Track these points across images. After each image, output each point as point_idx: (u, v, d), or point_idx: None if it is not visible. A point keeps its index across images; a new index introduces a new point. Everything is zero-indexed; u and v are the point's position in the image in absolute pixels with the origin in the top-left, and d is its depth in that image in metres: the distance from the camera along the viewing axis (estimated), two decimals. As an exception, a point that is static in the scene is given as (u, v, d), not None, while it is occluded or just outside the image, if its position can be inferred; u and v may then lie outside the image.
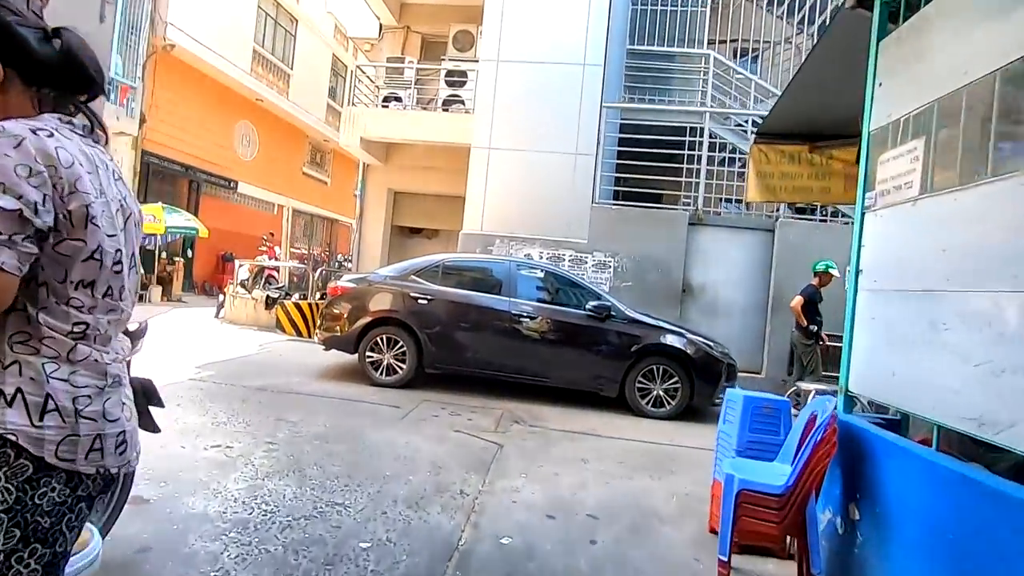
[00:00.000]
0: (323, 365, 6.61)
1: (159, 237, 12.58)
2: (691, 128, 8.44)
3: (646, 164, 8.10)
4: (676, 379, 5.69)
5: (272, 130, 18.37)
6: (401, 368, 5.86)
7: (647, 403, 5.73)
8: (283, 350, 7.55)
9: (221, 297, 10.20)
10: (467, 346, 5.87)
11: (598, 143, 8.09)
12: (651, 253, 7.80)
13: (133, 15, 12.06)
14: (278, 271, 10.76)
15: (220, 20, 14.68)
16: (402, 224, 12.51)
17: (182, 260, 14.01)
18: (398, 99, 11.22)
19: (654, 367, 5.73)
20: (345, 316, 5.98)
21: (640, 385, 5.74)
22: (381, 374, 5.87)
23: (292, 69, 18.70)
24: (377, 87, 11.85)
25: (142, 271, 12.70)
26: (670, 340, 5.76)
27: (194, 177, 15.29)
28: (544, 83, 8.38)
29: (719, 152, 8.36)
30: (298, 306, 8.96)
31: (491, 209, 8.32)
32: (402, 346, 5.84)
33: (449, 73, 10.94)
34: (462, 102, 10.91)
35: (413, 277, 6.00)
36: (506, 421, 5.03)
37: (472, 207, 8.39)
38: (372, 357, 5.89)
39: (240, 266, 10.40)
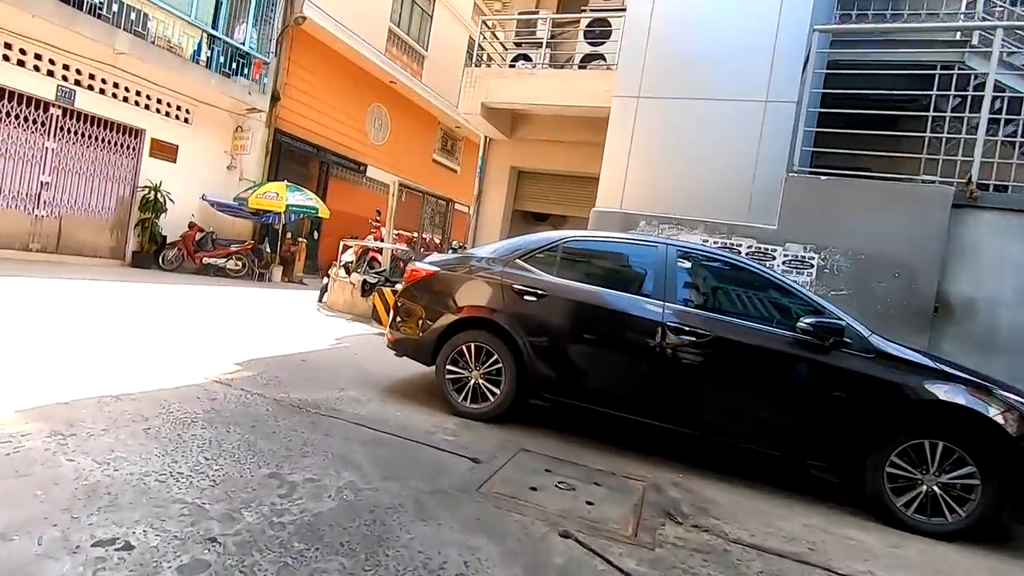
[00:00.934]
0: (398, 375, 4.96)
1: (281, 215, 12.15)
2: (945, 65, 5.51)
3: (865, 117, 5.35)
4: (971, 469, 3.10)
5: (403, 114, 17.75)
6: (493, 393, 3.96)
7: (907, 505, 3.21)
8: (360, 347, 6.08)
9: (325, 280, 9.22)
10: (592, 369, 3.80)
11: (802, 85, 5.49)
12: (883, 249, 5.06)
13: (269, -13, 11.66)
14: (381, 253, 9.52)
15: (357, -3, 14.09)
16: (525, 208, 10.72)
17: (305, 241, 13.63)
18: (527, 59, 9.42)
19: (926, 443, 3.19)
20: (422, 312, 4.22)
21: (895, 471, 3.23)
22: (465, 399, 4.03)
23: (427, 51, 17.90)
24: (504, 48, 10.17)
25: (268, 249, 12.42)
26: (962, 398, 3.17)
27: (324, 159, 14.96)
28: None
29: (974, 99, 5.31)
30: (396, 294, 7.56)
31: (635, 180, 6.11)
32: (497, 361, 3.94)
33: (591, 24, 8.89)
34: (602, 58, 8.80)
35: (519, 262, 4.07)
36: (652, 513, 2.89)
37: (609, 177, 6.24)
38: (455, 373, 4.07)
39: (345, 247, 9.30)
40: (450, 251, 10.13)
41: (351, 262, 9.26)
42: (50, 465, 2.25)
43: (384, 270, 8.39)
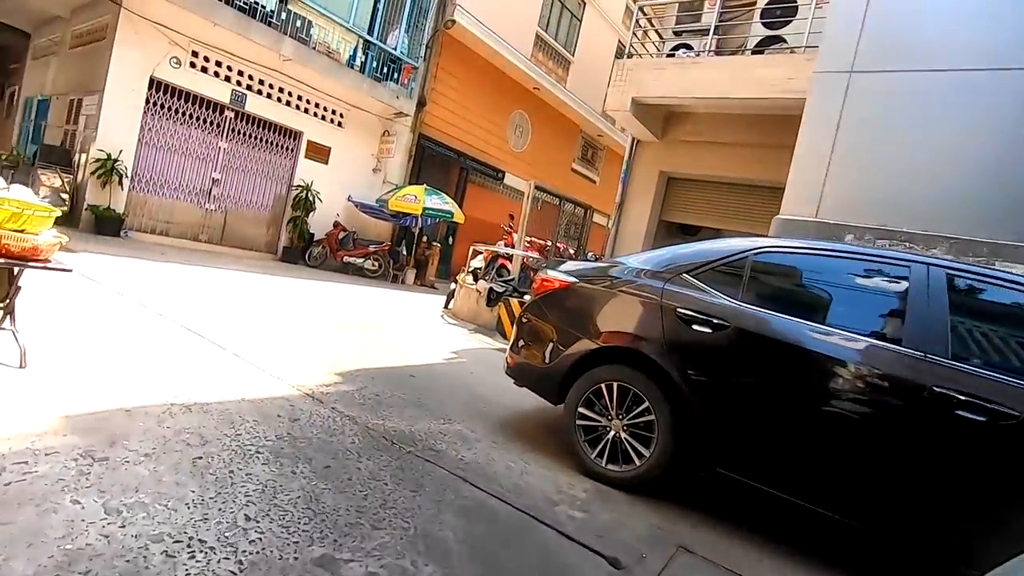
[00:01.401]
0: (517, 406, 4.08)
1: (418, 218, 12.12)
2: None
3: None
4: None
5: (545, 121, 17.22)
6: (640, 455, 2.88)
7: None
8: (477, 364, 5.32)
9: (453, 286, 8.77)
10: (796, 446, 2.56)
11: None
12: None
13: (424, -6, 11.72)
14: (511, 260, 8.82)
15: (508, 2, 13.83)
16: (672, 220, 9.39)
17: (439, 246, 13.55)
18: (688, 47, 8.17)
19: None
20: (551, 333, 3.28)
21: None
22: (601, 456, 2.99)
23: (573, 56, 17.23)
24: (661, 38, 9.00)
25: (404, 252, 12.48)
26: None
27: (464, 164, 14.88)
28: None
29: None
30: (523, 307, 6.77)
31: (840, 181, 4.62)
32: (647, 410, 2.86)
33: (772, 1, 7.41)
34: (782, 40, 7.27)
35: (687, 277, 2.96)
36: None
37: (803, 177, 4.81)
38: (589, 420, 3.06)
39: (475, 252, 8.77)
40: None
41: (479, 268, 8.71)
42: (45, 508, 1.67)
43: (512, 278, 7.67)
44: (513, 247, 9.30)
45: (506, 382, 3.83)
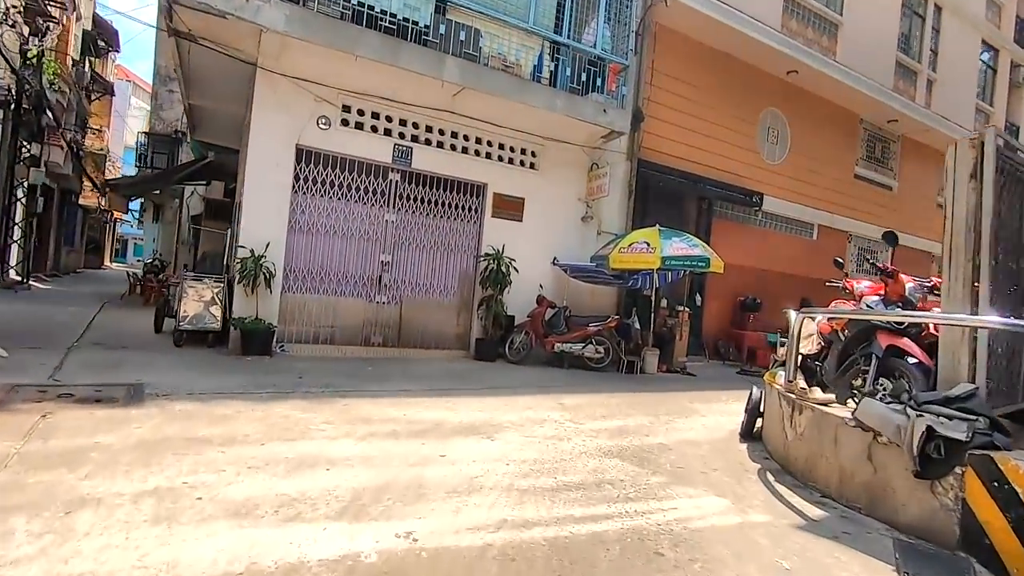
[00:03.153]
0: None
1: (654, 274, 8.13)
2: None
3: None
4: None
5: (807, 116, 11.99)
6: None
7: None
8: None
9: (757, 393, 4.42)
10: None
11: None
12: None
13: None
14: (843, 330, 3.95)
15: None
16: None
17: (687, 310, 9.22)
18: None
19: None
20: None
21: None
22: None
23: (841, 15, 11.95)
24: None
25: (637, 326, 8.54)
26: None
27: (704, 192, 10.54)
28: None
29: None
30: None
31: None
32: None
33: None
34: None
35: None
36: None
37: None
38: None
39: (805, 318, 4.20)
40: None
41: (812, 353, 4.19)
42: None
43: (972, 396, 2.89)
44: (859, 302, 4.49)
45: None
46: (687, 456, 3.87)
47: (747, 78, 10.87)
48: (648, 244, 7.57)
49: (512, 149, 8.17)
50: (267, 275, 6.38)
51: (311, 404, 4.24)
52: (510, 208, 8.18)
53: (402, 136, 7.30)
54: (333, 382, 5.18)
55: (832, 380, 3.91)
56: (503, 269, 7.68)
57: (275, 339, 6.47)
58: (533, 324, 7.87)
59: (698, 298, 10.48)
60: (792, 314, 4.20)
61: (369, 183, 7.23)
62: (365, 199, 7.22)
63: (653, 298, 8.50)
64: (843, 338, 3.95)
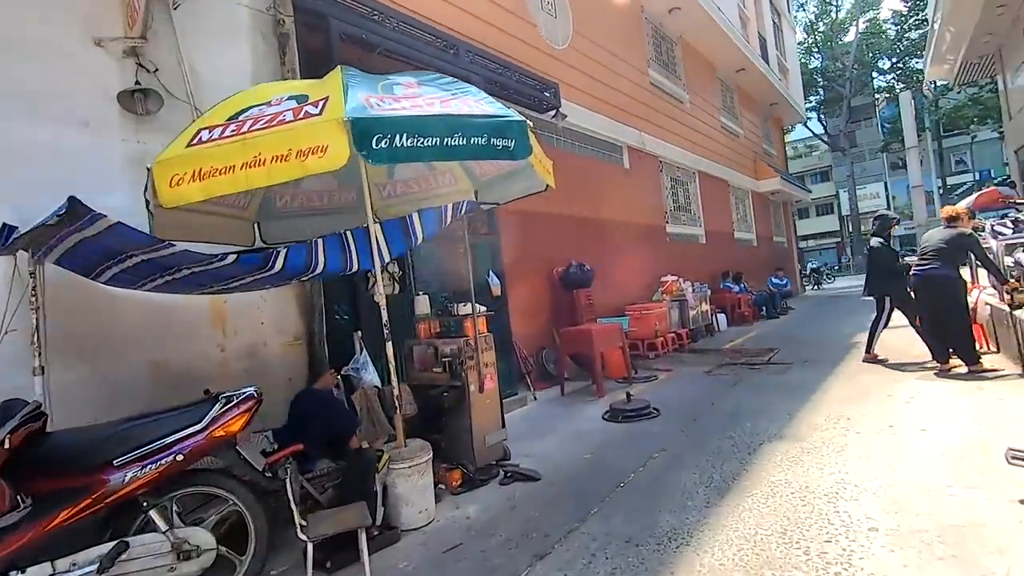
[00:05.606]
0: None
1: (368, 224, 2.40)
2: None
3: None
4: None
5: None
6: None
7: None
8: None
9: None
10: None
11: None
12: None
13: None
14: None
15: None
16: None
17: (482, 310, 3.91)
18: None
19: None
20: None
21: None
22: None
23: None
24: None
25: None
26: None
27: (466, 70, 5.31)
28: None
29: None
30: None
31: None
32: None
33: None
34: None
35: None
36: None
37: None
38: None
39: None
40: None
41: None
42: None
43: None
44: None
45: None
46: None
47: None
48: (308, 100, 1.89)
49: None
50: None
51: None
52: None
53: None
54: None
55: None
56: None
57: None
58: None
59: (494, 282, 5.29)
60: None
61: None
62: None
63: (379, 295, 2.88)
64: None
